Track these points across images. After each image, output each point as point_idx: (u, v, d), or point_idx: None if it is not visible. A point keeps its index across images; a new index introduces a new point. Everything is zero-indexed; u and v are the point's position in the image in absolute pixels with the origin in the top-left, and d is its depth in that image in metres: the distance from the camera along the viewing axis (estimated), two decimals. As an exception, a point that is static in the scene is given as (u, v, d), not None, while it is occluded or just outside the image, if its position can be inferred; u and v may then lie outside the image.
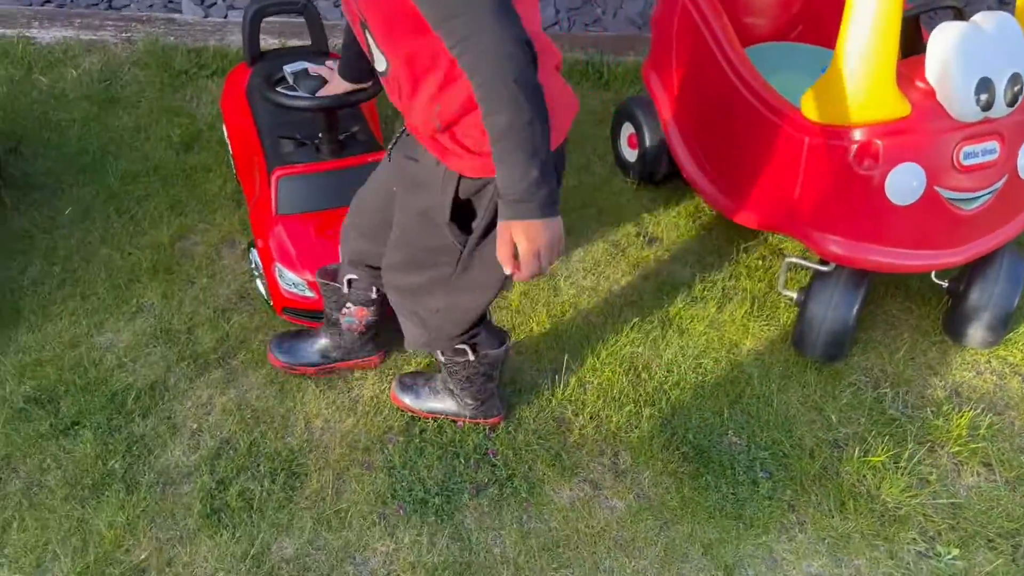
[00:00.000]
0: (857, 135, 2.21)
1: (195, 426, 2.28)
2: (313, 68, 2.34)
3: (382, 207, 1.95)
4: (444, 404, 2.28)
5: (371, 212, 2.02)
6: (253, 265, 2.62)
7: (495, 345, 2.11)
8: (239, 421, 2.29)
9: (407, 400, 2.31)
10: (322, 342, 2.37)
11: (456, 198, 1.68)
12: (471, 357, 2.08)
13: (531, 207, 1.45)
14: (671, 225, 2.94)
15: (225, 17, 3.79)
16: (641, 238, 2.89)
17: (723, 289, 2.73)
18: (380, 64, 1.65)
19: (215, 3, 3.87)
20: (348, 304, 2.23)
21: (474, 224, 1.71)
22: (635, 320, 2.61)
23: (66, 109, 3.25)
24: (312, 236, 2.42)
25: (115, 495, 2.11)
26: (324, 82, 2.30)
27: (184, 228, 2.84)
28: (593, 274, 2.77)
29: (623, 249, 2.85)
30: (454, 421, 2.29)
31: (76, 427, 2.25)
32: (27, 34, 3.57)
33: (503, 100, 1.39)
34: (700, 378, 2.47)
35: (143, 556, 2.01)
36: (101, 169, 3.02)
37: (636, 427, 2.34)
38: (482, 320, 2.02)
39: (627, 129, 3.04)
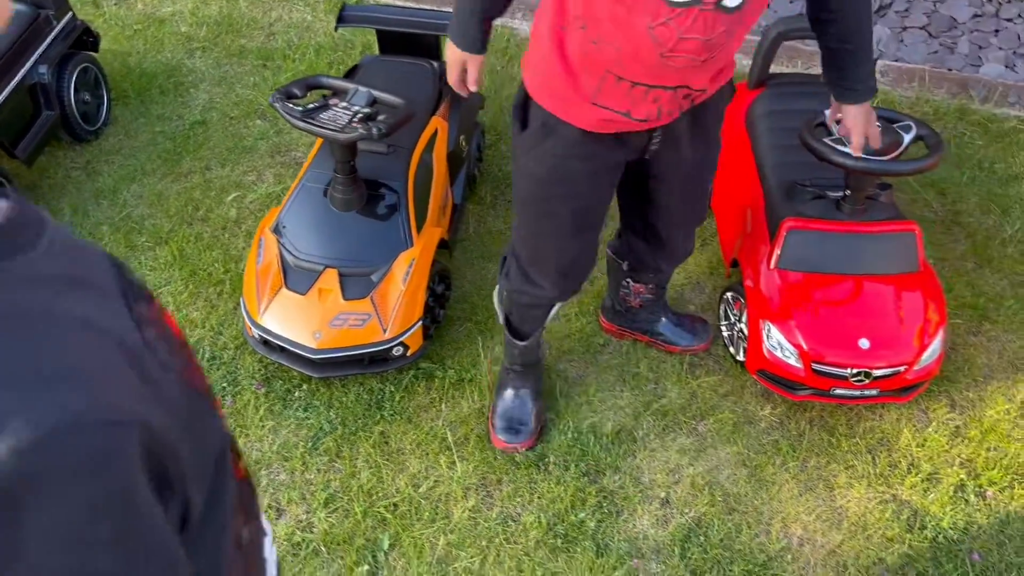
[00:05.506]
0: None
1: (663, 495, 2.16)
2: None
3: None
4: None
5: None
6: (723, 312, 2.45)
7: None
8: (710, 503, 2.14)
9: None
10: None
11: None
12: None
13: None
14: None
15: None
16: None
17: None
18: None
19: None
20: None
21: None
22: None
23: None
24: (812, 300, 2.22)
25: (585, 554, 2.04)
26: (891, 146, 2.07)
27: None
28: None
29: None
30: None
31: (546, 462, 2.22)
32: (511, 24, 3.64)
33: None
34: None
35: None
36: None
37: None
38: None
39: None
